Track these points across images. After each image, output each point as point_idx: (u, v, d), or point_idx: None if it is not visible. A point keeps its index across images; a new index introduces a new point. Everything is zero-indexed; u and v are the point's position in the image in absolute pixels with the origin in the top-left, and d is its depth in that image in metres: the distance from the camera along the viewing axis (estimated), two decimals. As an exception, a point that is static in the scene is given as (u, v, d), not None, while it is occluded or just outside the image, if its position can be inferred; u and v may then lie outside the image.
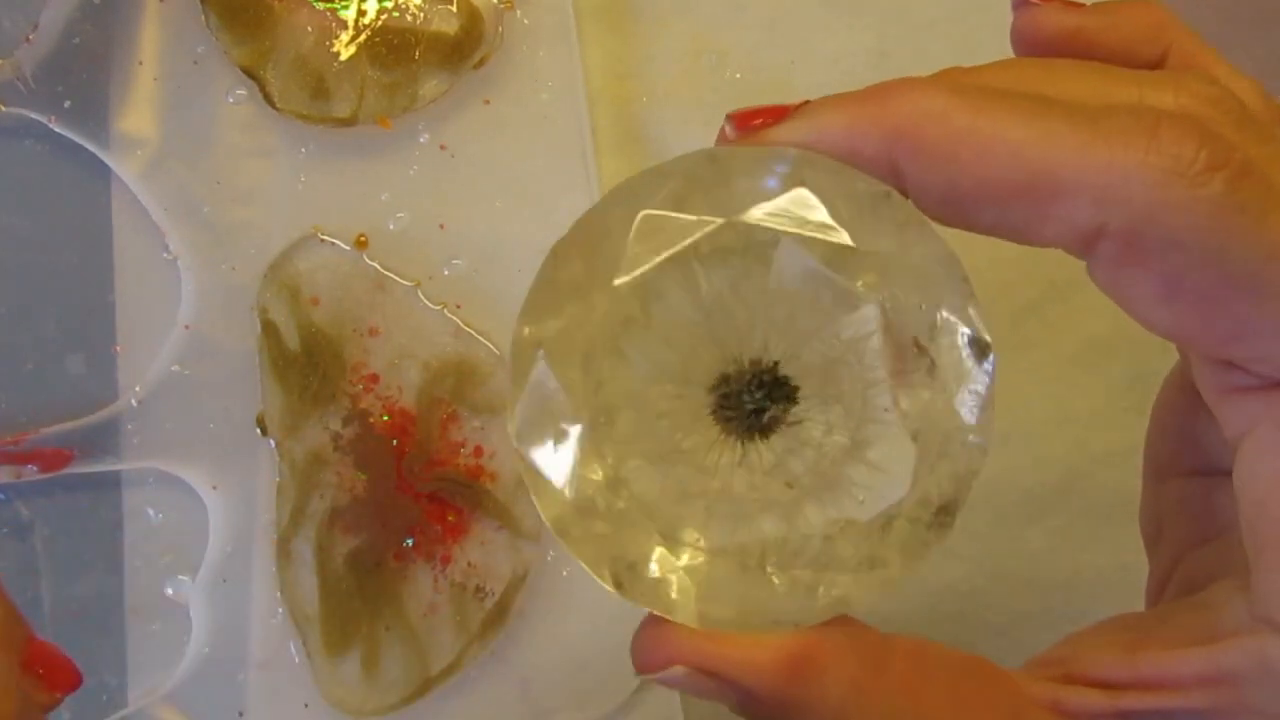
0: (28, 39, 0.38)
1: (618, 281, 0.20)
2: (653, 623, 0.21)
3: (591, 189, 0.38)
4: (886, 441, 0.21)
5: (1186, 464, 0.25)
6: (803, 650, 0.20)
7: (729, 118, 0.21)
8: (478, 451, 0.37)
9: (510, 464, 0.37)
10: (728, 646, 0.20)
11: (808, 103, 0.21)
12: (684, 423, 0.21)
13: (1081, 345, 0.40)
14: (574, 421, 0.21)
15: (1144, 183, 0.18)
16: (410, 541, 0.36)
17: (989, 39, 0.43)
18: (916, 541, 0.21)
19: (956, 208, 0.20)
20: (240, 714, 0.36)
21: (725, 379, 0.21)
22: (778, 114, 0.21)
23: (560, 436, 0.21)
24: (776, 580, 0.21)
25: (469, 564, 0.36)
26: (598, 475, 0.21)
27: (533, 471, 0.21)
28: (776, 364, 0.21)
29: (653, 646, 0.21)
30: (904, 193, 0.20)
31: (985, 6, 0.41)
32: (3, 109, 0.37)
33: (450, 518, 0.36)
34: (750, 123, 0.21)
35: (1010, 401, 0.40)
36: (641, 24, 0.41)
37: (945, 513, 0.21)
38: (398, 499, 0.36)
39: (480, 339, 0.37)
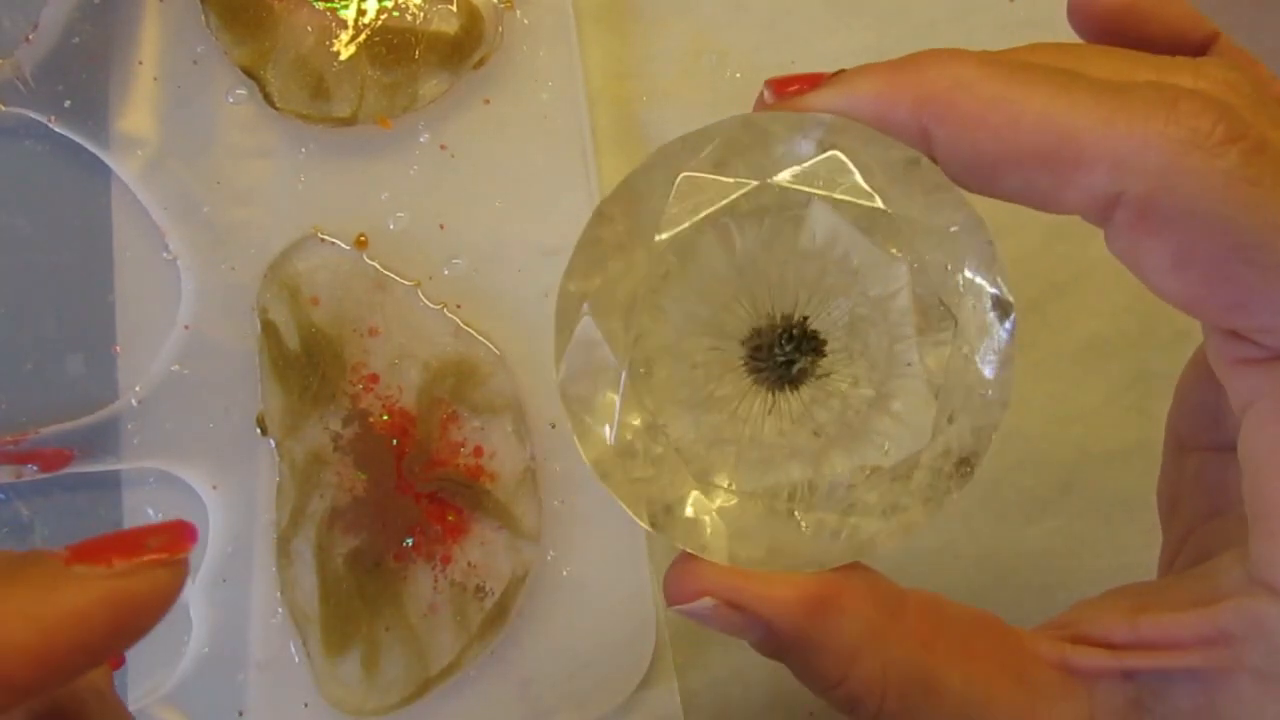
0: (27, 39, 0.38)
1: (657, 238, 0.22)
2: (685, 559, 0.22)
3: (591, 189, 0.38)
4: (909, 394, 0.22)
5: (1205, 438, 0.25)
6: (824, 590, 0.22)
7: (767, 84, 0.22)
8: (478, 451, 0.37)
9: (510, 464, 0.37)
10: (754, 582, 0.21)
11: (843, 71, 0.22)
12: (717, 373, 0.22)
13: (1082, 345, 0.40)
14: (616, 371, 0.22)
15: (1161, 152, 0.19)
16: (410, 541, 0.36)
17: (989, 39, 0.43)
18: (937, 490, 0.22)
19: (983, 173, 0.21)
20: (240, 714, 0.36)
21: (757, 332, 0.22)
22: (813, 81, 0.22)
23: (603, 385, 0.22)
24: (803, 523, 0.22)
25: (469, 564, 0.36)
26: (637, 421, 0.22)
27: (577, 417, 0.22)
28: (806, 319, 0.22)
29: (684, 580, 0.22)
30: (933, 159, 0.21)
31: (985, 6, 0.41)
32: (3, 109, 0.37)
33: (450, 518, 0.36)
34: (787, 89, 0.22)
35: (1011, 401, 0.40)
36: (641, 24, 0.41)
37: (966, 464, 0.22)
38: (398, 499, 0.36)
39: (480, 339, 0.37)
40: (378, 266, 0.38)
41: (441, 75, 0.38)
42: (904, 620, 0.22)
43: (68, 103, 0.38)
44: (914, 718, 0.22)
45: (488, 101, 0.39)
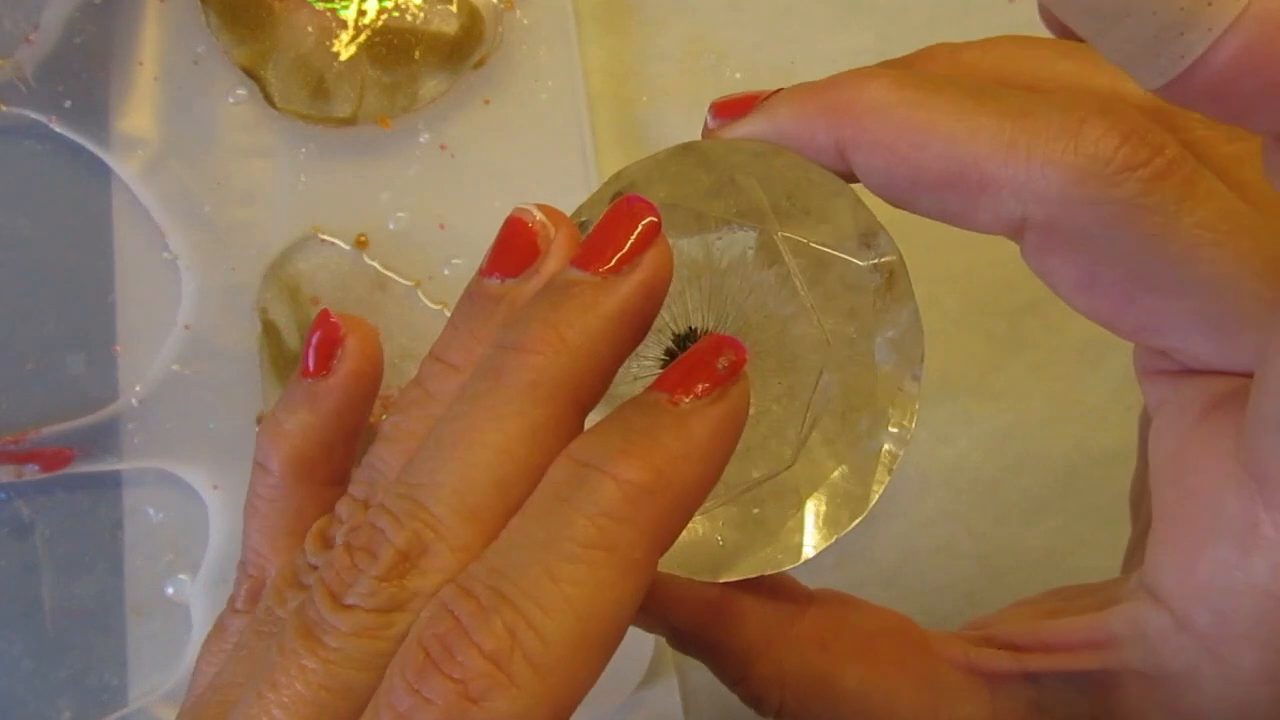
0: (28, 39, 0.38)
1: None
2: None
3: (591, 189, 0.38)
4: (785, 418, 0.22)
5: None
6: (724, 596, 0.23)
7: (711, 107, 0.23)
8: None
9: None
10: (662, 585, 0.22)
11: (774, 94, 0.22)
12: (628, 376, 0.23)
13: (1081, 344, 0.40)
14: None
15: (1060, 180, 0.19)
16: (410, 541, 0.36)
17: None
18: (829, 518, 0.23)
19: (898, 194, 0.21)
20: (240, 713, 0.36)
21: (676, 338, 0.23)
22: (749, 104, 0.22)
23: None
24: (720, 538, 0.23)
25: (469, 564, 0.36)
26: None
27: None
28: (706, 331, 0.23)
29: None
30: (851, 178, 0.21)
31: (985, 6, 0.41)
32: (3, 109, 0.37)
33: (450, 517, 0.36)
34: (724, 114, 0.23)
35: (1010, 401, 0.40)
36: (641, 24, 0.41)
37: (858, 499, 0.22)
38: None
39: (480, 339, 0.37)
40: (378, 267, 0.38)
41: (441, 75, 0.38)
42: (801, 623, 0.23)
43: (69, 103, 0.38)
44: (814, 715, 0.23)
45: (488, 102, 0.39)
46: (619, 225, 0.20)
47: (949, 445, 0.40)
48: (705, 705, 0.38)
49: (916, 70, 0.22)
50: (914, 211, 0.21)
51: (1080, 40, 0.22)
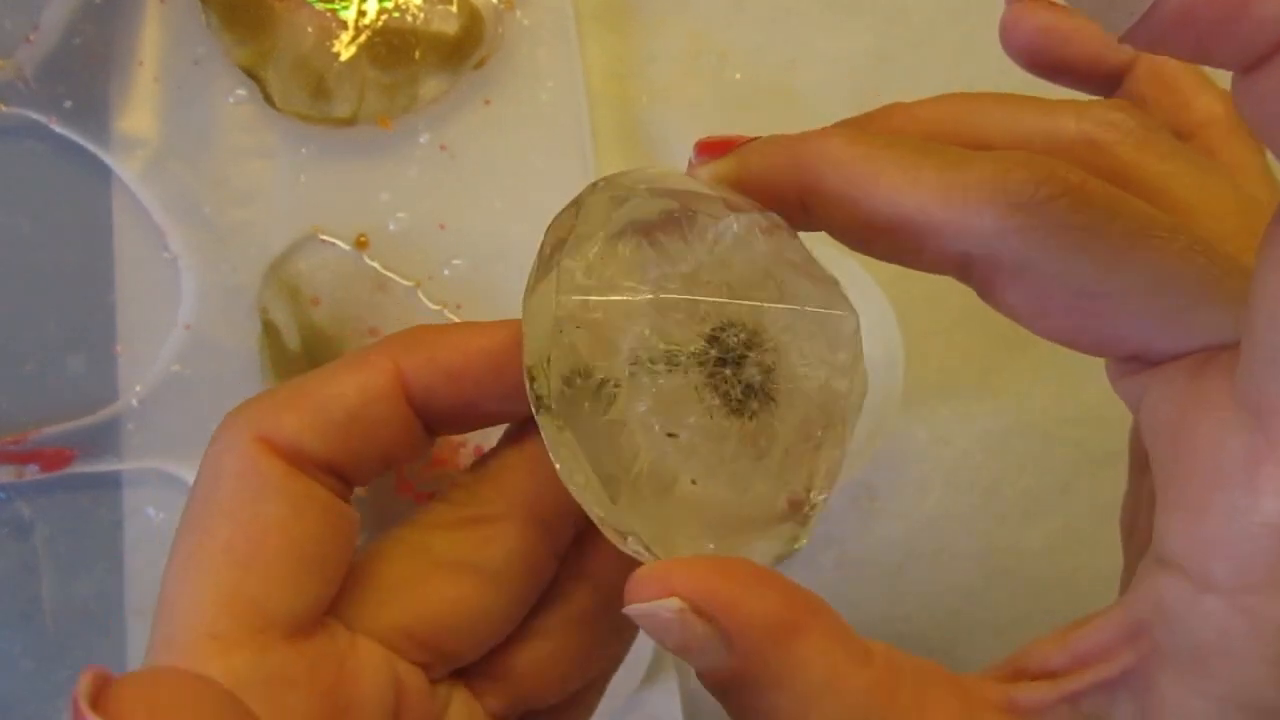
0: (29, 39, 0.38)
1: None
2: (660, 562, 0.21)
3: (591, 189, 0.38)
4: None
5: None
6: (794, 616, 0.20)
7: (696, 145, 0.25)
8: (478, 451, 0.37)
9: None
10: (726, 590, 0.20)
11: (753, 141, 0.24)
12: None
13: (1081, 345, 0.40)
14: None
15: (993, 216, 0.21)
16: (410, 541, 0.36)
17: (988, 39, 0.43)
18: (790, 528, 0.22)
19: (852, 237, 0.23)
20: (240, 713, 0.36)
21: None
22: (727, 147, 0.24)
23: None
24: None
25: (469, 564, 0.36)
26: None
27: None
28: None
29: (653, 577, 0.20)
30: (812, 226, 0.23)
31: (985, 7, 0.41)
32: (4, 109, 0.37)
33: (450, 517, 0.36)
34: (707, 152, 0.25)
35: (1010, 401, 0.40)
36: (641, 24, 0.41)
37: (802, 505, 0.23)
38: (397, 499, 0.36)
39: (480, 339, 0.37)
40: (378, 267, 0.38)
41: (441, 76, 0.38)
42: (870, 669, 0.21)
43: (69, 103, 0.38)
44: None
45: (488, 102, 0.39)
46: None
47: (949, 445, 0.40)
48: (705, 706, 0.38)
49: (874, 126, 0.25)
50: (870, 255, 0.23)
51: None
